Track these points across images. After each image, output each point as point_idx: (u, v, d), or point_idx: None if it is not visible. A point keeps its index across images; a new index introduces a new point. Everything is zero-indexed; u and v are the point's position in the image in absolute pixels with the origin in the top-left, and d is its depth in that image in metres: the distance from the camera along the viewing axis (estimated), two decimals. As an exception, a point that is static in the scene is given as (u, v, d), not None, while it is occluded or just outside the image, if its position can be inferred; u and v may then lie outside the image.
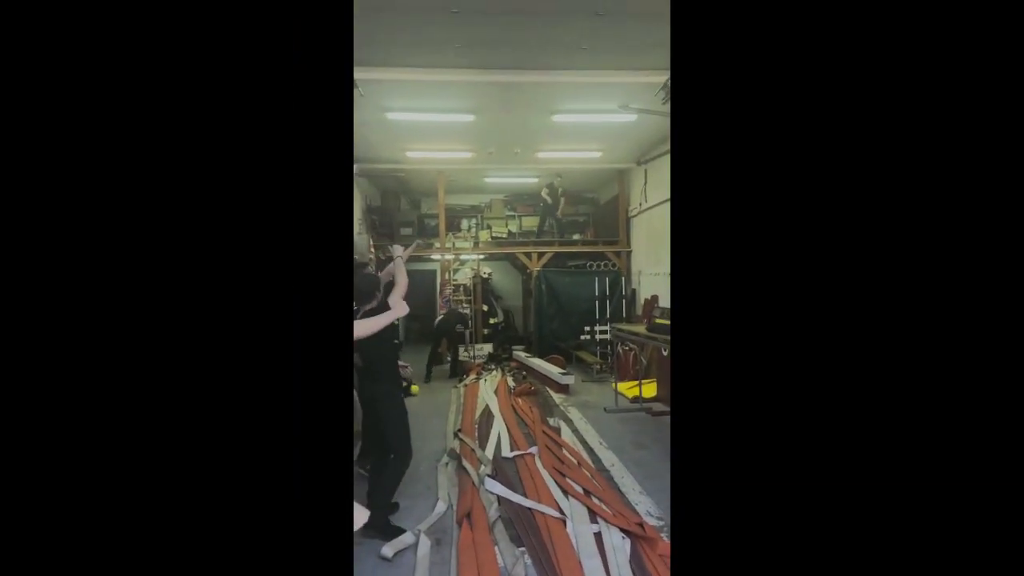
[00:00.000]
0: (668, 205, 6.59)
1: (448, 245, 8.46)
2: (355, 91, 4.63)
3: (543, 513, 2.68)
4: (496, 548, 2.37)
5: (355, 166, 7.75)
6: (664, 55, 4.17)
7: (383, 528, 2.54)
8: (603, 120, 5.60)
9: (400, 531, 2.55)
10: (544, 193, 8.33)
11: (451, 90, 5.14)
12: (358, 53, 4.29)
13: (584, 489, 2.97)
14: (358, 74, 4.52)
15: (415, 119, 5.86)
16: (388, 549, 2.37)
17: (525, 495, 2.92)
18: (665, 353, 4.56)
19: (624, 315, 7.65)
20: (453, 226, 9.28)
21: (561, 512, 2.70)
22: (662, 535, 2.48)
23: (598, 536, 2.45)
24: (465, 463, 3.43)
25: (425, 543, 2.44)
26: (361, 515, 1.53)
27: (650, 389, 5.48)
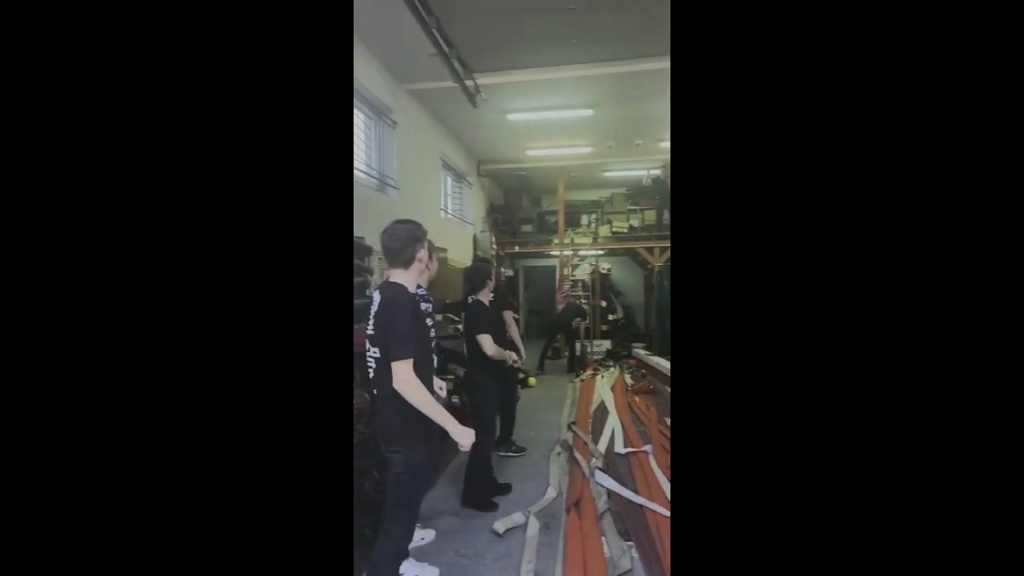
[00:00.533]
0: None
1: (567, 241, 8.54)
2: (478, 96, 4.90)
3: (653, 511, 2.63)
4: (603, 538, 2.39)
5: (479, 167, 8.17)
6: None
7: (480, 503, 2.78)
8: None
9: (494, 506, 2.77)
10: (648, 181, 8.10)
11: (569, 86, 5.20)
12: (479, 59, 4.53)
13: (700, 492, 2.85)
14: (481, 79, 4.78)
15: (534, 118, 6.01)
16: (500, 525, 2.52)
17: (636, 491, 2.89)
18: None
19: (756, 314, 7.06)
20: (573, 222, 9.33)
21: (673, 512, 2.62)
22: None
23: (712, 540, 2.35)
24: (577, 454, 3.47)
25: (534, 524, 2.54)
26: (468, 435, 1.73)
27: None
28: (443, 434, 1.73)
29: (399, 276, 1.82)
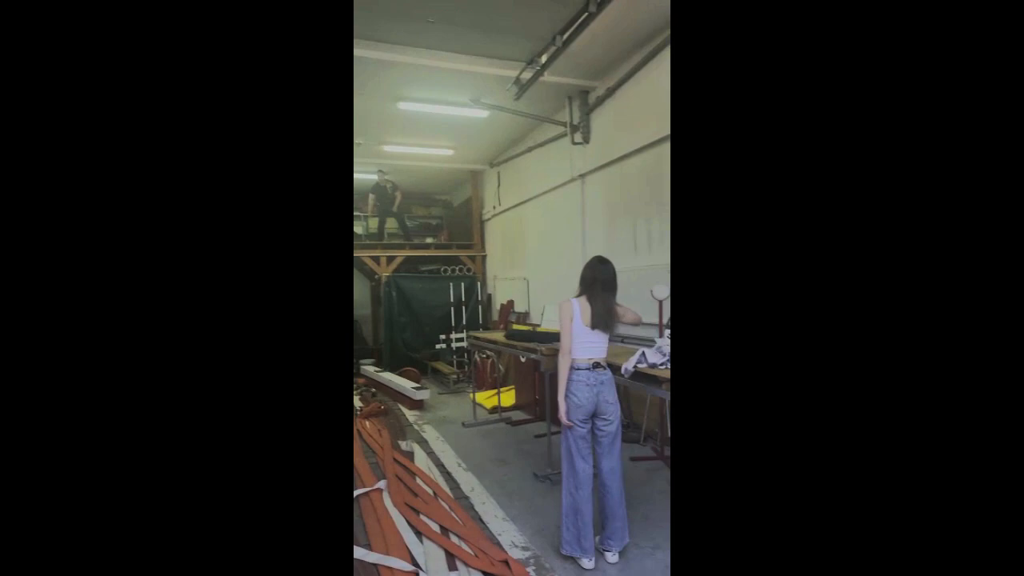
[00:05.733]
0: (521, 209, 6.50)
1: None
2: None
3: (391, 568, 2.17)
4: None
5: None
6: (521, 45, 3.96)
7: None
8: (453, 113, 5.23)
9: None
10: (371, 196, 7.63)
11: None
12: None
13: (441, 527, 2.53)
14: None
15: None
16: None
17: (369, 546, 2.38)
18: (523, 360, 4.32)
19: (480, 321, 7.39)
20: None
21: (415, 563, 2.21)
22: (529, 569, 2.15)
23: (459, 588, 2.03)
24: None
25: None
26: None
27: (508, 397, 5.25)
28: None
29: None
